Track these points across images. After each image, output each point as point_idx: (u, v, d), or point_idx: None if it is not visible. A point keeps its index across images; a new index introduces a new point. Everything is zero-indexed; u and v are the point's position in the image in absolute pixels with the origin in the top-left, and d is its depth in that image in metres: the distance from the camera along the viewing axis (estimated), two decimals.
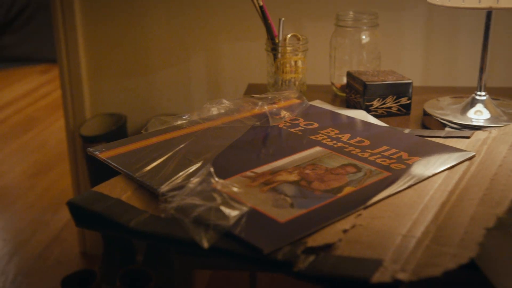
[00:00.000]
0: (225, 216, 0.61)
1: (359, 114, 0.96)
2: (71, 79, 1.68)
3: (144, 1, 1.57)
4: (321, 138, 0.82)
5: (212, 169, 0.70)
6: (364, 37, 1.11)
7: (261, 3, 1.04)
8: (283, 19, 1.07)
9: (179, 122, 0.89)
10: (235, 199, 0.64)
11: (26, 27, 3.99)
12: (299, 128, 0.87)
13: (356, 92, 1.03)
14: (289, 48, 1.09)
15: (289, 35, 1.10)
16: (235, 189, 0.67)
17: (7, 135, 2.84)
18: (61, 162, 2.54)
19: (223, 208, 0.62)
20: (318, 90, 1.20)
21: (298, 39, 1.11)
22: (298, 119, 0.90)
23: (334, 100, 1.14)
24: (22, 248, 1.90)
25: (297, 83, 1.11)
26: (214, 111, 0.94)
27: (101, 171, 1.56)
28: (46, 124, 2.99)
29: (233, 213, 0.62)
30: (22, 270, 1.78)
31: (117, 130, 1.57)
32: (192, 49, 1.59)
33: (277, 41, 1.08)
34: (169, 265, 1.66)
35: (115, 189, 0.72)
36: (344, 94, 1.14)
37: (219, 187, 0.67)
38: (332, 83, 1.18)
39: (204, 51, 1.59)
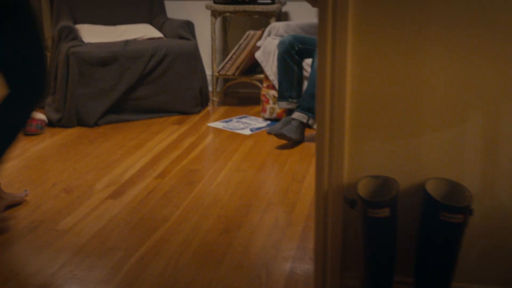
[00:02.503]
0: None
1: None
2: (332, 139, 1.64)
3: (418, 58, 1.53)
4: None
5: None
6: None
7: None
8: None
9: None
10: None
11: (161, 79, 4.05)
12: None
13: None
14: None
15: None
16: None
17: (204, 191, 2.82)
18: (246, 217, 2.52)
19: None
20: None
21: None
22: None
23: None
24: None
25: None
26: None
27: (380, 235, 1.52)
28: (209, 178, 2.98)
29: None
30: None
31: (397, 196, 1.52)
32: (470, 110, 1.54)
33: None
34: None
35: None
36: None
37: None
38: None
39: (482, 113, 1.54)
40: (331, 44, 1.57)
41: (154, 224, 2.47)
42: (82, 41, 4.02)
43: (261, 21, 4.54)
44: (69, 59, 3.81)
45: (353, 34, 1.56)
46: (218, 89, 4.48)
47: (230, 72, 4.25)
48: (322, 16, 1.58)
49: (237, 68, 4.22)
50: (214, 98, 4.39)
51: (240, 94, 4.70)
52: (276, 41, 3.92)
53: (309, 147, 3.44)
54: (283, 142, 3.51)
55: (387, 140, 1.60)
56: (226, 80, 4.52)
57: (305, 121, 3.47)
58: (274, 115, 3.98)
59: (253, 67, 4.35)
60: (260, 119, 4.04)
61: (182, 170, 3.09)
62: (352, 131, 1.62)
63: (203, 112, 4.23)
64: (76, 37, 3.98)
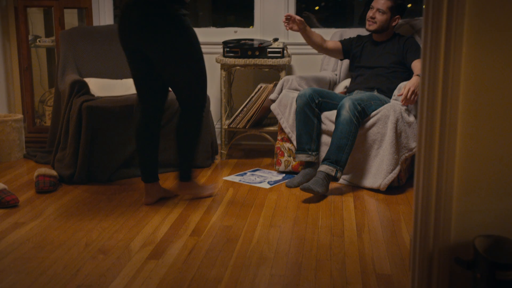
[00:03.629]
0: None
1: None
2: (439, 196, 1.61)
3: None
4: None
5: None
6: None
7: None
8: None
9: None
10: None
11: (173, 133, 3.96)
12: None
13: None
14: None
15: None
16: None
17: (246, 249, 2.75)
18: (299, 275, 2.45)
19: None
20: None
21: None
22: None
23: None
24: None
25: None
26: None
27: None
28: (246, 234, 2.91)
29: None
30: None
31: None
32: None
33: None
34: None
35: None
36: None
37: None
38: None
39: None
40: (441, 100, 1.57)
41: (208, 286, 2.38)
42: (93, 95, 3.93)
43: (265, 74, 4.56)
44: (83, 113, 3.71)
45: (465, 87, 1.56)
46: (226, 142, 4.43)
47: (241, 125, 4.22)
48: (431, 71, 1.58)
49: (248, 121, 4.20)
50: (223, 151, 4.34)
51: (244, 146, 4.66)
52: (292, 94, 3.92)
53: (335, 201, 3.42)
54: (307, 195, 3.48)
55: (498, 197, 1.59)
56: (231, 132, 4.47)
57: (333, 174, 3.46)
58: (290, 168, 3.95)
59: (260, 119, 4.34)
60: (274, 172, 4.00)
61: (215, 227, 3.01)
62: (460, 187, 1.60)
63: (214, 166, 4.17)
64: (88, 91, 3.90)
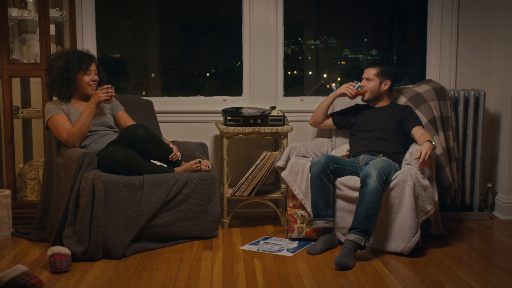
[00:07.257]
0: None
1: None
2: None
3: None
4: None
5: None
6: None
7: None
8: None
9: None
10: None
11: (182, 204, 3.87)
12: None
13: None
14: None
15: None
16: None
17: None
18: None
19: None
20: None
21: None
22: None
23: None
24: None
25: None
26: None
27: None
28: None
29: None
30: None
31: None
32: None
33: None
34: None
35: None
36: None
37: None
38: None
39: None
40: None
41: None
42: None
43: (259, 141, 4.55)
44: (96, 186, 3.55)
45: None
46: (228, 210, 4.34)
47: (246, 193, 4.19)
48: None
49: (253, 188, 4.18)
50: (225, 220, 4.26)
51: (242, 214, 4.56)
52: (302, 161, 3.96)
53: (366, 266, 3.43)
54: (332, 258, 3.46)
55: None
56: (231, 200, 4.38)
57: (362, 243, 3.48)
58: (303, 235, 3.94)
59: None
60: (286, 239, 3.97)
61: None
62: None
63: (221, 236, 4.06)
64: (96, 163, 3.74)
